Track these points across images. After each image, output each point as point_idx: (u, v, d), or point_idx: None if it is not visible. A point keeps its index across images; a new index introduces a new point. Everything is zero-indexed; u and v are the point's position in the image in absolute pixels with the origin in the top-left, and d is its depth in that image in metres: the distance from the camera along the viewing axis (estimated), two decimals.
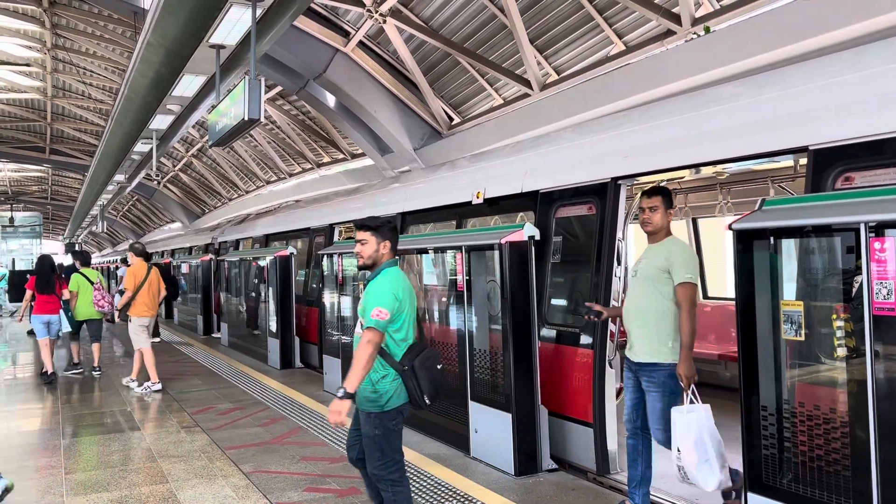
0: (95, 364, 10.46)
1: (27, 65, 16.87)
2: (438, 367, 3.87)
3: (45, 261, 10.43)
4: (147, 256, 9.71)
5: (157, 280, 9.32)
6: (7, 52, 16.35)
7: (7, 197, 37.10)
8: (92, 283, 10.21)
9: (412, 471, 5.41)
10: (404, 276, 3.92)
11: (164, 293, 9.62)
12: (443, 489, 5.00)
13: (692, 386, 4.08)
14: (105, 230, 41.50)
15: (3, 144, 24.65)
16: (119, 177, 16.22)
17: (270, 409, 7.77)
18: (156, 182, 26.83)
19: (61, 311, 10.20)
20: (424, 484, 5.12)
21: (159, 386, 9.02)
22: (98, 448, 6.34)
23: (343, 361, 8.27)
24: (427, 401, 3.81)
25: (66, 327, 10.49)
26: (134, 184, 17.20)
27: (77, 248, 38.75)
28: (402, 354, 3.77)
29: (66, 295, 10.16)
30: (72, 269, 10.90)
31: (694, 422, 3.97)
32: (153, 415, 7.61)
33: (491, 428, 5.53)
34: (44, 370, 9.92)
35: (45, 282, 9.99)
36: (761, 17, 6.12)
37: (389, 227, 3.94)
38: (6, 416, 7.78)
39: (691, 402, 4.06)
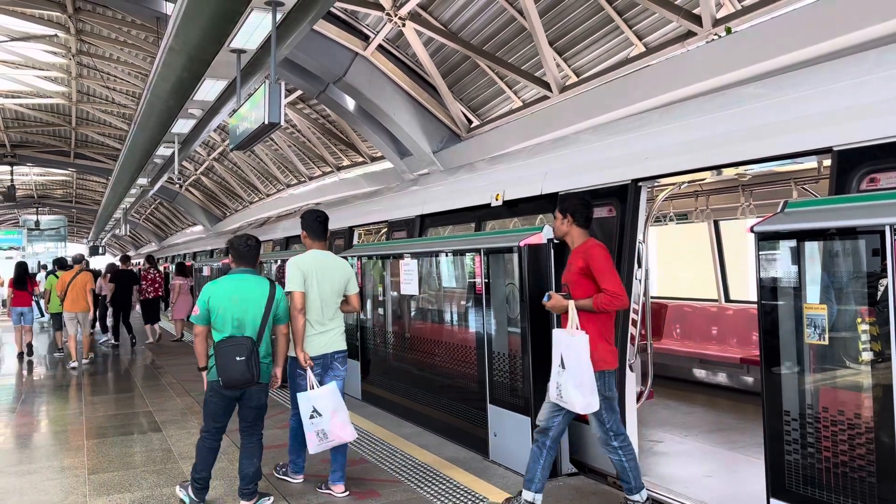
0: (59, 346, 13.35)
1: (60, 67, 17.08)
2: (238, 358, 4.40)
3: (20, 266, 13.35)
4: (81, 263, 12.19)
5: (81, 284, 11.48)
6: (33, 58, 16.62)
7: (33, 200, 37.67)
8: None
9: (431, 473, 5.41)
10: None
11: (88, 293, 11.48)
12: (461, 492, 4.99)
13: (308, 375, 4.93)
14: (128, 233, 42.02)
15: (29, 149, 25.06)
16: (142, 180, 16.40)
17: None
18: (178, 185, 27.16)
19: (33, 304, 13.08)
20: (443, 487, 5.11)
21: (75, 364, 11.33)
22: (120, 449, 6.40)
23: (361, 362, 8.29)
24: (220, 384, 4.48)
25: (37, 315, 13.59)
26: (156, 187, 17.39)
27: (101, 251, 39.36)
28: (221, 338, 4.52)
29: (37, 291, 12.77)
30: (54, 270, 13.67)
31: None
32: (175, 416, 7.68)
33: (510, 431, 5.51)
34: (19, 352, 12.87)
35: (18, 280, 13.05)
36: (783, 18, 6.07)
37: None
38: (29, 416, 7.91)
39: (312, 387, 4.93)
